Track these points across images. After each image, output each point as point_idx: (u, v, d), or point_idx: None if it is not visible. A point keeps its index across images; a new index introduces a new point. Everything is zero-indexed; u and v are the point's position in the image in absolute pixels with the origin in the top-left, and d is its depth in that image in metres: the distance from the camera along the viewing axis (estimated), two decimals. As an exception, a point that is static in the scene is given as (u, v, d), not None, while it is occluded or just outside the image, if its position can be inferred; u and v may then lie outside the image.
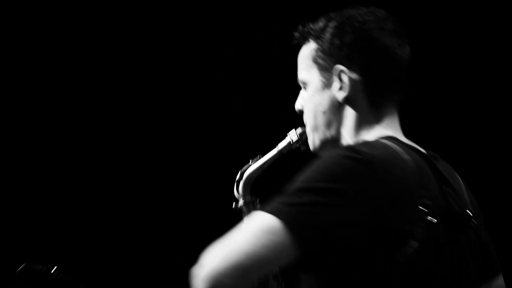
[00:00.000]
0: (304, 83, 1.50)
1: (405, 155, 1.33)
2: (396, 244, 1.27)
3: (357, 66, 1.41)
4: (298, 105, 1.55)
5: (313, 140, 1.50)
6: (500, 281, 1.50)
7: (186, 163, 4.63)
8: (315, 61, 1.46)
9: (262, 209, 1.23)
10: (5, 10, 4.40)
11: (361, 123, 1.43)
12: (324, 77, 1.45)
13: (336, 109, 1.44)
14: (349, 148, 1.32)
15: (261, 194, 1.70)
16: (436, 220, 1.30)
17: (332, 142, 1.47)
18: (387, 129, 1.44)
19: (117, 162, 4.52)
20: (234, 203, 1.71)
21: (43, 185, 4.54)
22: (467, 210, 1.41)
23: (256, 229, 1.21)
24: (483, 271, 1.46)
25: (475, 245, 1.42)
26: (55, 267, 2.03)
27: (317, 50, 1.46)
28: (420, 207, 1.30)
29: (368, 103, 1.43)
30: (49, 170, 4.55)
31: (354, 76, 1.42)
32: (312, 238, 1.22)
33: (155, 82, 4.62)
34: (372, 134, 1.41)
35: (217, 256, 1.19)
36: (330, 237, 1.22)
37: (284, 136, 1.70)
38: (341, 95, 1.42)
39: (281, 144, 1.66)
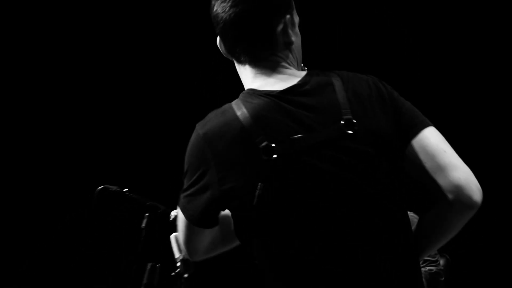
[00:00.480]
0: None
1: (240, 112, 1.51)
2: (244, 189, 1.46)
3: (220, 37, 1.67)
4: None
5: None
6: (425, 135, 1.56)
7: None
8: None
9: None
10: (5, 10, 4.45)
11: (243, 80, 1.68)
12: None
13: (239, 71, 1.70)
14: (197, 126, 1.62)
15: None
16: (275, 156, 1.44)
17: None
18: (253, 82, 1.61)
19: (116, 162, 4.56)
20: None
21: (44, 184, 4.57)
22: (341, 120, 1.48)
23: (178, 218, 1.67)
24: (404, 136, 1.54)
25: (358, 143, 1.48)
26: (127, 188, 2.22)
27: None
28: (258, 150, 1.45)
29: (237, 62, 1.68)
30: (49, 170, 4.58)
31: (221, 44, 1.70)
32: (195, 218, 1.58)
33: (156, 82, 4.71)
34: (245, 87, 1.64)
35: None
36: (205, 208, 1.55)
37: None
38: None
39: None
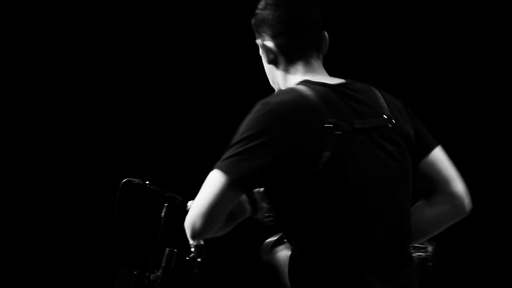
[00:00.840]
0: None
1: (307, 92, 1.69)
2: (310, 156, 1.63)
3: (267, 37, 1.86)
4: None
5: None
6: (437, 151, 1.85)
7: (186, 162, 4.67)
8: (257, 43, 1.94)
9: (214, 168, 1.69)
10: (5, 10, 4.48)
11: (285, 77, 1.86)
12: (262, 50, 1.91)
13: (270, 70, 1.91)
14: (260, 102, 1.74)
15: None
16: (341, 132, 1.65)
17: None
18: (304, 76, 1.79)
19: (117, 161, 4.55)
20: None
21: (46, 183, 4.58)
22: (383, 115, 1.75)
23: (206, 184, 1.66)
24: (418, 150, 1.81)
25: (396, 137, 1.75)
26: (148, 181, 2.47)
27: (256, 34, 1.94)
28: (326, 125, 1.65)
29: (286, 59, 1.86)
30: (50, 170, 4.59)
31: (269, 45, 1.87)
32: (245, 177, 1.62)
33: (156, 82, 4.71)
34: (292, 81, 1.84)
35: (190, 211, 1.69)
36: (259, 170, 1.63)
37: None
38: (270, 59, 1.88)
39: None
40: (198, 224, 1.66)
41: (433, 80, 4.53)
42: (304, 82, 1.75)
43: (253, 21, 1.90)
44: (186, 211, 2.38)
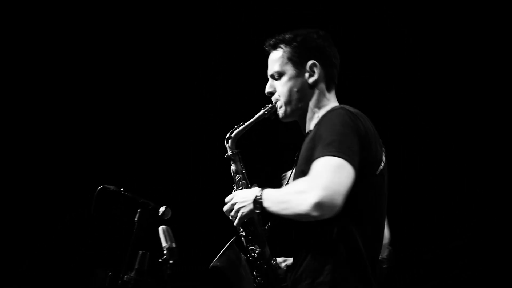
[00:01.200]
0: (279, 74, 2.23)
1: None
2: (376, 164, 2.02)
3: (320, 62, 2.21)
4: (268, 89, 2.27)
5: (285, 111, 2.23)
6: None
7: (186, 162, 4.73)
8: (289, 58, 2.22)
9: (324, 155, 1.88)
10: (5, 10, 4.49)
11: (321, 98, 2.21)
12: (297, 68, 2.21)
13: (307, 89, 2.20)
14: (342, 108, 2.07)
15: (242, 148, 2.37)
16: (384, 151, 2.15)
17: (301, 111, 2.22)
18: (336, 102, 2.22)
19: (117, 160, 4.60)
20: (226, 154, 2.36)
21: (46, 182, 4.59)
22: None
23: (334, 166, 1.86)
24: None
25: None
26: (122, 188, 2.63)
27: (291, 51, 2.22)
28: (381, 142, 2.07)
29: (325, 85, 2.22)
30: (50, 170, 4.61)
31: (319, 68, 2.19)
32: (356, 162, 1.90)
33: (156, 82, 4.74)
34: (329, 105, 2.20)
35: (321, 182, 1.83)
36: (359, 160, 1.95)
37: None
38: (311, 80, 2.19)
39: (257, 115, 2.31)
40: (339, 200, 1.82)
41: (432, 80, 4.59)
42: (343, 106, 2.09)
43: (298, 40, 2.19)
44: (158, 216, 2.55)
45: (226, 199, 2.17)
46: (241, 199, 2.10)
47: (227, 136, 2.31)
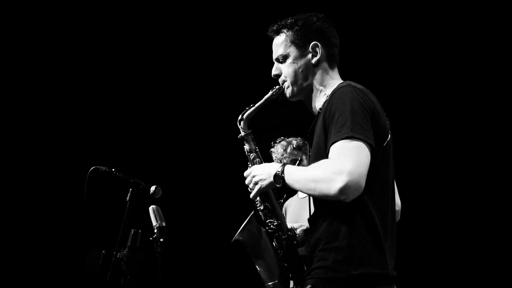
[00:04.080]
0: (284, 56, 2.32)
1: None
2: (384, 136, 2.11)
3: (321, 43, 2.30)
4: (274, 71, 2.37)
5: (292, 90, 2.32)
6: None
7: (186, 161, 4.79)
8: (292, 41, 2.32)
9: (340, 138, 1.98)
10: (5, 10, 4.54)
11: (325, 76, 2.30)
12: (300, 50, 2.31)
13: (311, 69, 2.30)
14: (349, 85, 2.15)
15: (254, 129, 2.40)
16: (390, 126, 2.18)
17: (307, 90, 2.32)
18: (340, 80, 2.30)
19: (117, 160, 4.55)
20: (239, 135, 2.40)
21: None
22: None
23: (352, 149, 1.96)
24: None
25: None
26: (114, 169, 2.70)
27: (293, 35, 2.32)
28: (385, 116, 2.16)
29: (328, 64, 2.31)
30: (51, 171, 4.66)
31: (321, 48, 2.27)
32: (371, 139, 2.00)
33: (156, 82, 4.80)
34: (334, 82, 2.28)
35: (346, 167, 1.93)
36: (372, 136, 2.06)
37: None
38: (314, 60, 2.29)
39: (266, 96, 2.39)
40: (363, 182, 1.95)
41: (432, 80, 4.66)
42: (349, 83, 2.17)
43: (299, 23, 2.29)
44: (149, 195, 2.63)
45: (245, 173, 2.26)
46: (260, 172, 2.19)
47: (239, 117, 2.38)
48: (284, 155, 3.55)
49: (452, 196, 4.63)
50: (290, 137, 3.66)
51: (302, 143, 3.58)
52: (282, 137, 3.66)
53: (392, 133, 2.17)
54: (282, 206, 3.63)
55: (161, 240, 2.52)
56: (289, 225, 2.34)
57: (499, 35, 4.52)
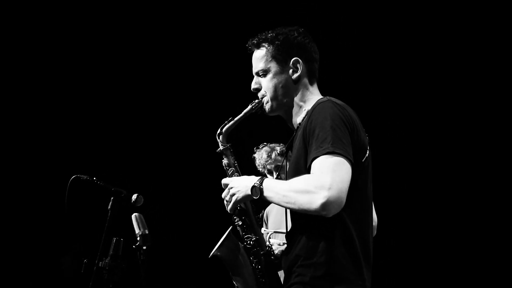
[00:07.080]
0: (265, 71, 2.33)
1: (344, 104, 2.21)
2: (362, 151, 2.12)
3: (302, 58, 2.30)
4: (254, 85, 2.37)
5: (271, 106, 2.33)
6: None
7: (185, 161, 4.77)
8: (273, 56, 2.32)
9: (321, 154, 1.99)
10: (5, 10, 4.54)
11: (305, 92, 2.31)
12: (281, 65, 2.31)
13: (291, 84, 2.30)
14: (329, 100, 2.16)
15: (233, 143, 2.40)
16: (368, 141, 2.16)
17: (286, 105, 2.32)
18: (319, 95, 2.30)
19: (117, 159, 4.67)
20: (217, 149, 2.41)
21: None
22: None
23: (333, 165, 1.97)
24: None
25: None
26: (95, 177, 2.70)
27: (274, 50, 2.32)
28: (364, 133, 2.17)
29: (308, 80, 2.32)
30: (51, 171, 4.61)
31: (302, 64, 2.29)
32: (351, 154, 2.01)
33: (136, 92, 4.81)
34: (313, 98, 2.29)
35: (328, 183, 1.93)
36: (352, 151, 2.07)
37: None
38: (295, 76, 2.29)
39: (245, 110, 2.39)
40: (344, 197, 1.96)
41: (432, 80, 4.65)
42: (330, 99, 2.18)
43: (280, 38, 2.29)
44: (131, 204, 2.63)
45: (223, 182, 2.26)
46: (237, 185, 2.18)
47: (218, 131, 2.37)
48: (269, 161, 3.55)
49: (450, 196, 4.64)
50: (272, 143, 3.67)
51: (285, 149, 3.59)
52: (264, 143, 3.67)
53: (371, 150, 2.18)
54: (262, 216, 3.65)
55: (144, 248, 2.50)
56: (267, 242, 2.34)
57: (497, 36, 4.55)
